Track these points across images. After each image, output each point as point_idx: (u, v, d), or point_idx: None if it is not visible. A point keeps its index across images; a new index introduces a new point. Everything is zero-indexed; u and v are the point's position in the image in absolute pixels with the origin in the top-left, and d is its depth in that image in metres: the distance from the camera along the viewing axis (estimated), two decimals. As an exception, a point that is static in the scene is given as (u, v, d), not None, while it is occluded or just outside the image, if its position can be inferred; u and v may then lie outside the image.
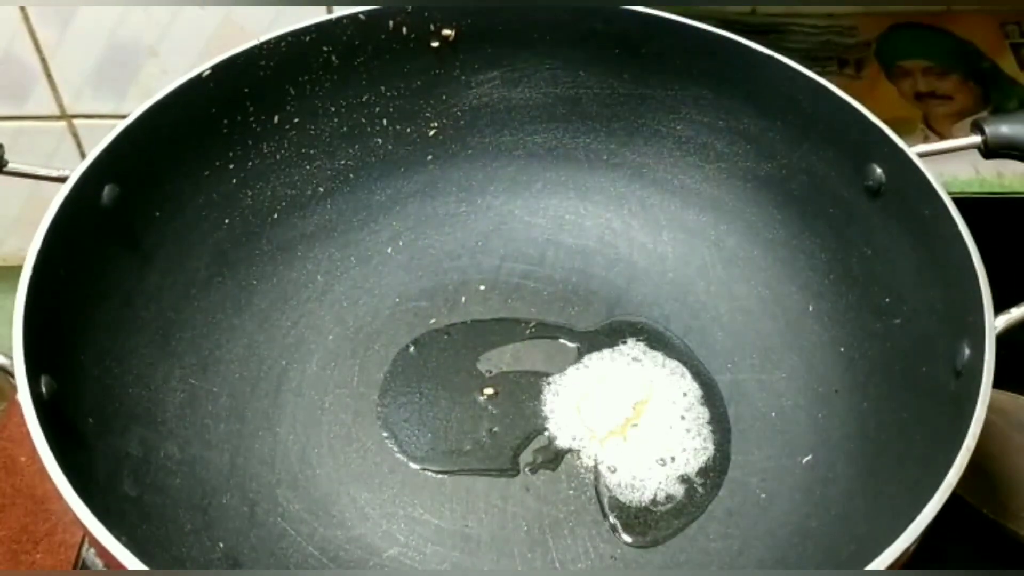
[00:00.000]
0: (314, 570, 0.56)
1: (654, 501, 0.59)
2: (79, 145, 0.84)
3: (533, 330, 0.68)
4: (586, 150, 0.72)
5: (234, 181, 0.66)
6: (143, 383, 0.59)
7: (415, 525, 0.58)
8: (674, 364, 0.66)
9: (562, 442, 0.62)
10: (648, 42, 0.67)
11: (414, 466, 0.61)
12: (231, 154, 0.66)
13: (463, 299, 0.70)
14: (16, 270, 0.52)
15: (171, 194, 0.63)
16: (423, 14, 0.67)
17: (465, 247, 0.72)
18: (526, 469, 0.61)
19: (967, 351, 0.51)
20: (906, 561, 0.46)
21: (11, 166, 0.58)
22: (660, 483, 0.60)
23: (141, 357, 0.60)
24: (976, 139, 0.59)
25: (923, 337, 0.57)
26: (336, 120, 0.69)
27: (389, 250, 0.71)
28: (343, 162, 0.70)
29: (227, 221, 0.66)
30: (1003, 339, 0.51)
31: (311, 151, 0.69)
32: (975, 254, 0.53)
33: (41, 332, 0.51)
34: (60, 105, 0.81)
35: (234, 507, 0.58)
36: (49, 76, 0.79)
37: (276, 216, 0.69)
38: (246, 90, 0.65)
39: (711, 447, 0.62)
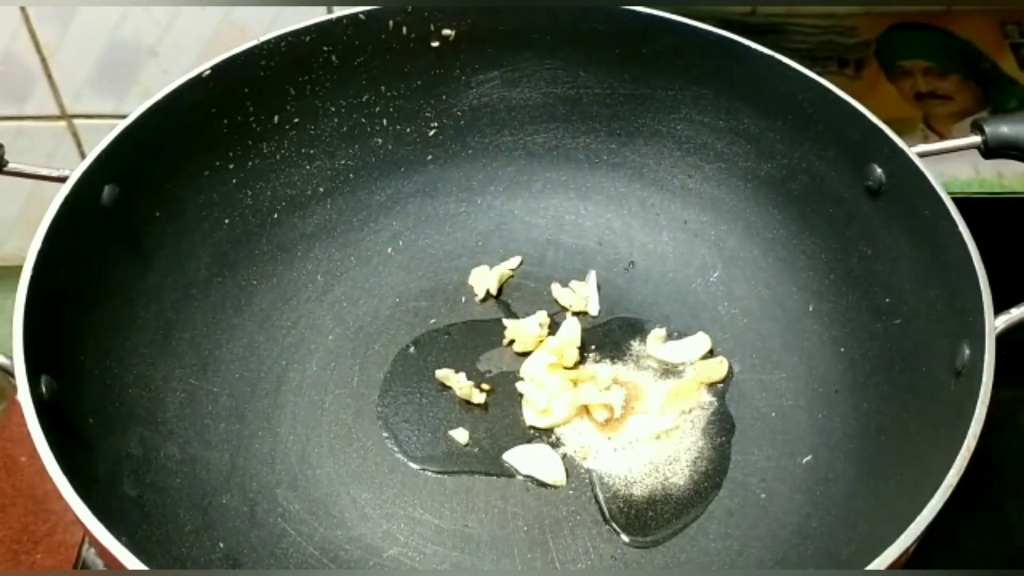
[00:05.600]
0: (314, 570, 0.56)
1: (654, 501, 0.59)
2: (79, 145, 0.84)
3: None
4: (586, 150, 0.72)
5: (234, 181, 0.66)
6: (143, 383, 0.59)
7: (415, 525, 0.58)
8: (674, 364, 0.66)
9: (562, 442, 0.62)
10: (648, 42, 0.67)
11: (414, 466, 0.61)
12: (231, 154, 0.66)
13: (463, 299, 0.70)
14: (16, 270, 0.52)
15: (171, 194, 0.63)
16: (423, 14, 0.67)
17: (465, 247, 0.72)
18: (526, 469, 0.61)
19: (967, 351, 0.51)
20: (906, 561, 0.46)
21: (11, 166, 0.58)
22: (660, 483, 0.60)
23: (141, 357, 0.60)
24: (976, 139, 0.59)
25: (923, 337, 0.57)
26: (336, 120, 0.69)
27: (389, 250, 0.71)
28: (343, 162, 0.70)
29: (227, 221, 0.66)
30: (1003, 339, 0.51)
31: (311, 151, 0.69)
32: (975, 254, 0.53)
33: (41, 332, 0.51)
34: (60, 105, 0.81)
35: (234, 507, 0.58)
36: (49, 76, 0.79)
37: (276, 216, 0.69)
38: (246, 90, 0.65)
39: (711, 447, 0.62)
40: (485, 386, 0.65)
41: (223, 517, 0.57)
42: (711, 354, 0.66)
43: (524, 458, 0.61)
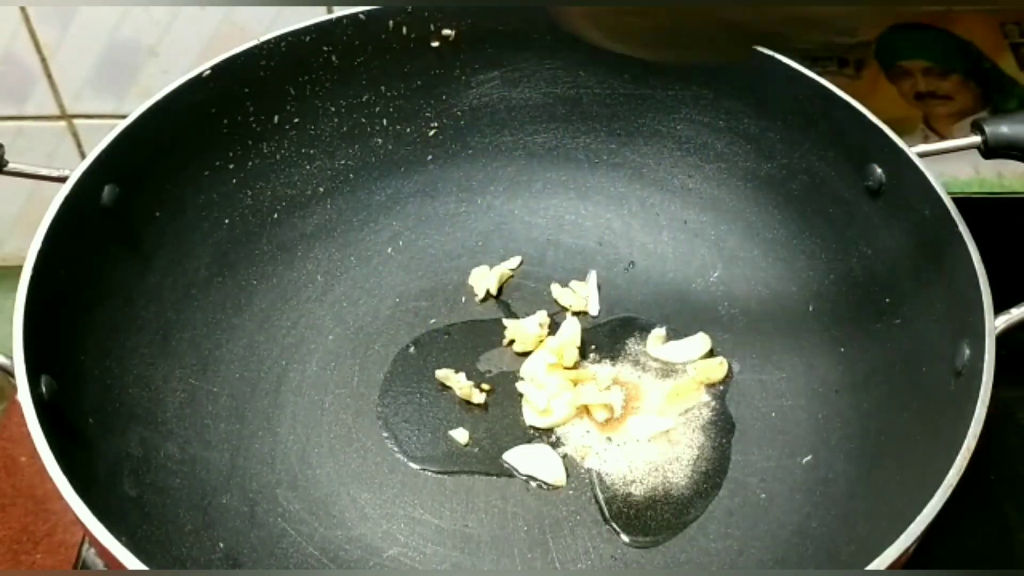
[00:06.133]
0: (314, 570, 0.56)
1: (654, 501, 0.59)
2: (79, 145, 0.83)
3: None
4: (586, 150, 0.72)
5: (234, 181, 0.66)
6: (143, 383, 0.59)
7: (415, 525, 0.58)
8: (674, 364, 0.66)
9: (562, 442, 0.62)
10: (648, 42, 0.67)
11: (414, 466, 0.61)
12: (231, 154, 0.66)
13: (463, 299, 0.70)
14: (16, 270, 0.52)
15: (171, 194, 0.63)
16: (423, 14, 0.67)
17: (465, 247, 0.72)
18: (526, 469, 0.61)
19: (967, 351, 0.51)
20: (906, 561, 0.46)
21: (11, 166, 0.58)
22: (660, 483, 0.60)
23: (141, 357, 0.60)
24: (976, 139, 0.59)
25: (923, 337, 0.57)
26: (336, 120, 0.69)
27: (389, 250, 0.71)
28: (343, 162, 0.70)
29: (227, 221, 0.66)
30: (1003, 339, 0.51)
31: (311, 151, 0.69)
32: (975, 254, 0.53)
33: (41, 332, 0.51)
34: (60, 105, 0.81)
35: (234, 507, 0.58)
36: (49, 76, 0.79)
37: (276, 216, 0.69)
38: (246, 90, 0.65)
39: (711, 447, 0.62)
40: (485, 386, 0.64)
41: (223, 517, 0.57)
42: (711, 354, 0.66)
43: (524, 458, 0.61)
